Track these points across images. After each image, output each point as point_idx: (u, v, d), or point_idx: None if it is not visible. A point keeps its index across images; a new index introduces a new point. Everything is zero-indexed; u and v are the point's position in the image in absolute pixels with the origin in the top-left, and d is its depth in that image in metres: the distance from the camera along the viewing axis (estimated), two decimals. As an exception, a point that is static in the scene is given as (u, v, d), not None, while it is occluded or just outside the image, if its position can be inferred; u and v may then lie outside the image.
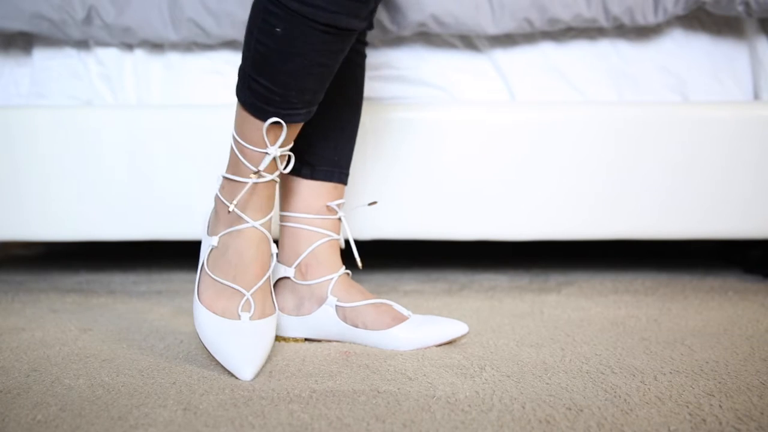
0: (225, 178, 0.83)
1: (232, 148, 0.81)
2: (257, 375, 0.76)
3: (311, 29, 0.75)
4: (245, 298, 0.80)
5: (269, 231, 0.83)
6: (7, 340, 0.90)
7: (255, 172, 0.79)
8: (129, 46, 1.25)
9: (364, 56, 0.99)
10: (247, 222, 0.81)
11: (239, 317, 0.79)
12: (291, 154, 0.82)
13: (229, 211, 0.80)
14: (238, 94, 0.80)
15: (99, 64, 1.25)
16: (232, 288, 0.80)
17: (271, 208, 0.83)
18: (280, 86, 0.77)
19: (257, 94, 0.77)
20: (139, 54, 1.25)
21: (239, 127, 0.80)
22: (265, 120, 0.77)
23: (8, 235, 1.24)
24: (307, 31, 0.75)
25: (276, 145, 0.79)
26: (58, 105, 1.25)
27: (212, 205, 0.87)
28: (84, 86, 1.26)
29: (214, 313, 0.80)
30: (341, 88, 0.93)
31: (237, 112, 0.80)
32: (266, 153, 0.79)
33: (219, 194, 0.83)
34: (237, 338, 0.78)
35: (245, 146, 0.79)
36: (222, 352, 0.78)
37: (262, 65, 0.77)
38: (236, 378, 0.75)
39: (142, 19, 1.19)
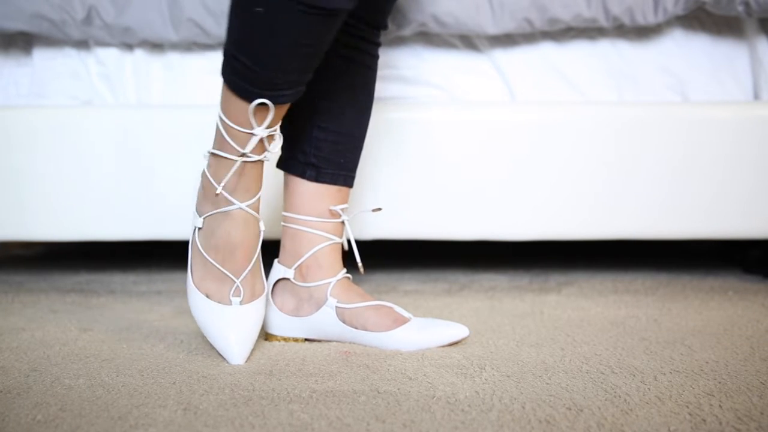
0: (212, 154, 0.81)
1: (217, 126, 0.80)
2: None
3: (293, 10, 0.71)
4: (235, 285, 0.81)
5: (257, 211, 0.83)
6: (7, 340, 0.90)
7: (241, 155, 0.78)
8: (129, 46, 1.25)
9: (376, 58, 0.96)
10: (234, 204, 0.80)
11: (230, 302, 0.81)
12: (279, 133, 0.81)
13: (216, 194, 0.80)
14: (222, 73, 0.78)
15: (99, 64, 1.25)
16: (222, 272, 0.81)
17: (259, 189, 0.82)
18: (263, 67, 0.75)
19: (240, 74, 0.76)
20: (139, 54, 1.25)
21: (224, 107, 0.78)
22: (250, 101, 0.76)
23: (8, 235, 1.24)
24: (289, 11, 0.72)
25: (263, 126, 0.77)
26: (58, 105, 1.25)
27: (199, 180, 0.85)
28: (84, 86, 1.26)
29: (204, 294, 0.82)
30: (351, 92, 0.92)
31: (222, 90, 0.79)
32: (252, 134, 0.77)
33: (206, 172, 0.82)
34: (228, 324, 0.80)
35: (231, 126, 0.78)
36: (213, 335, 0.81)
37: (244, 45, 0.75)
38: (234, 374, 0.75)
39: (142, 19, 1.19)
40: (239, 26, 0.75)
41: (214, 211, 0.81)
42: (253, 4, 0.72)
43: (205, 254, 0.82)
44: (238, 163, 0.79)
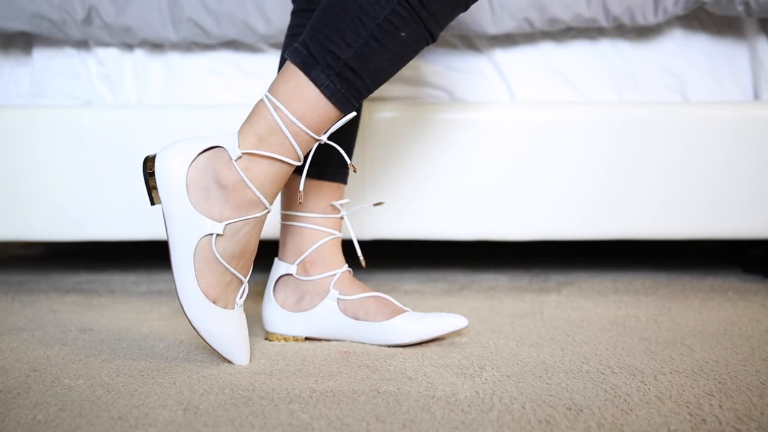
0: (261, 156, 0.76)
1: (279, 130, 0.76)
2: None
3: (424, 39, 0.78)
4: (243, 286, 0.81)
5: None
6: (7, 340, 0.90)
7: (303, 158, 0.79)
8: (129, 46, 1.25)
9: None
10: (268, 208, 0.79)
11: (234, 305, 0.80)
12: None
13: (300, 201, 0.81)
14: (316, 78, 0.75)
15: (99, 64, 1.25)
16: (236, 277, 0.79)
17: None
18: (376, 84, 0.78)
19: (351, 88, 0.76)
20: (139, 54, 1.25)
21: (305, 113, 0.76)
22: (346, 113, 0.77)
23: (8, 235, 1.24)
24: (422, 40, 0.78)
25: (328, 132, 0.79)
26: (58, 105, 1.25)
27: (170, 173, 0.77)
28: (84, 86, 1.26)
29: (213, 302, 0.78)
30: None
31: (304, 97, 0.75)
32: (319, 140, 0.78)
33: (242, 175, 0.76)
34: (239, 327, 0.80)
35: (305, 132, 0.76)
36: (225, 341, 0.79)
37: (371, 62, 0.76)
38: (234, 374, 0.75)
39: (142, 19, 1.19)
40: (370, 43, 0.75)
41: (244, 217, 0.77)
42: (397, 27, 0.75)
43: (226, 264, 0.77)
44: (306, 170, 0.80)
